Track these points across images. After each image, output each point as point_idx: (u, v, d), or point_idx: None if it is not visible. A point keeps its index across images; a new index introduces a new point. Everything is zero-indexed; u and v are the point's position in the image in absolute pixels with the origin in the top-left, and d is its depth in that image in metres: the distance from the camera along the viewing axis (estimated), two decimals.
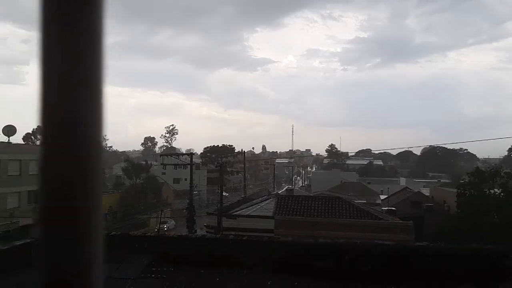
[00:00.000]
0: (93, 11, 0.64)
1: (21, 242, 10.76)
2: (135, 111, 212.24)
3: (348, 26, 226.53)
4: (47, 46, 0.62)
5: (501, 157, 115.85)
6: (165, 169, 60.97)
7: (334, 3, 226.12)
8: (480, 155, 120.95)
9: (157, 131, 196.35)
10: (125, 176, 60.82)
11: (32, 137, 71.92)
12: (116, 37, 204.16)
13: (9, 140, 41.14)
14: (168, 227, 44.64)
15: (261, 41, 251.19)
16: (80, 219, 0.61)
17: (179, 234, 19.97)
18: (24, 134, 72.58)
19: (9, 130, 41.21)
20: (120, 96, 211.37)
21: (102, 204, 0.66)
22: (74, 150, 0.62)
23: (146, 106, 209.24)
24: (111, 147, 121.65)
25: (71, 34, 0.62)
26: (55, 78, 0.62)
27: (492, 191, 32.83)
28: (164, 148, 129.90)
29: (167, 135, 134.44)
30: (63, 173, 0.61)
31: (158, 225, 36.86)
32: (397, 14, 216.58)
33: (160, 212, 35.96)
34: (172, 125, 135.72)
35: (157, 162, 62.55)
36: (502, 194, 31.80)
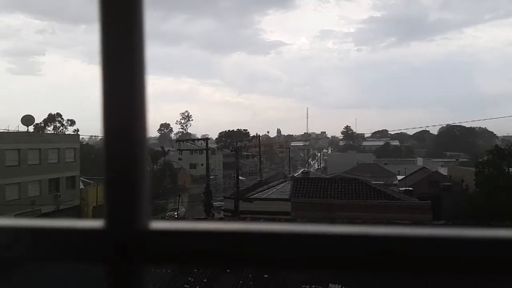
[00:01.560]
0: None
1: None
2: (150, 98, 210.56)
3: (361, 6, 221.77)
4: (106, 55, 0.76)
5: None
6: (181, 154, 61.48)
7: None
8: (499, 133, 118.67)
9: (173, 118, 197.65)
10: None
11: (43, 125, 72.81)
12: None
13: (27, 129, 41.95)
14: (179, 214, 44.18)
15: (273, 24, 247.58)
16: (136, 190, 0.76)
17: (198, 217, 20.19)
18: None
19: (28, 119, 41.98)
20: None
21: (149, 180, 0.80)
22: (128, 144, 0.76)
23: (160, 92, 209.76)
24: None
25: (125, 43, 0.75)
26: (114, 87, 0.77)
27: (511, 169, 32.36)
28: (180, 134, 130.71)
29: (182, 121, 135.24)
30: (122, 161, 0.77)
31: (177, 211, 37.31)
32: None
33: (178, 197, 36.39)
34: (187, 111, 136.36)
35: (174, 148, 63.04)
36: None
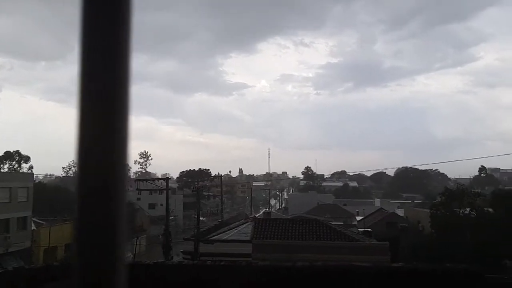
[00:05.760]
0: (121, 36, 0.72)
1: None
2: None
3: (319, 52, 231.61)
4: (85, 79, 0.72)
5: (471, 177, 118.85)
6: (140, 194, 60.01)
7: (304, 29, 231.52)
8: (452, 175, 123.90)
9: (132, 156, 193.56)
10: None
11: None
12: None
13: None
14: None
15: (235, 66, 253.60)
16: (109, 228, 0.71)
17: (156, 261, 19.59)
18: None
19: None
20: None
21: (125, 215, 0.75)
22: (104, 172, 0.71)
23: None
24: None
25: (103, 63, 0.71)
26: (91, 111, 0.71)
27: (462, 210, 33.63)
28: (139, 173, 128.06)
29: (141, 160, 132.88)
30: (95, 190, 0.71)
31: (134, 252, 36.06)
32: (366, 40, 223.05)
33: (136, 238, 35.23)
34: (145, 150, 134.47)
35: (132, 188, 61.62)
36: (472, 213, 32.60)
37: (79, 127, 0.71)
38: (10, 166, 73.56)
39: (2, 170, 66.07)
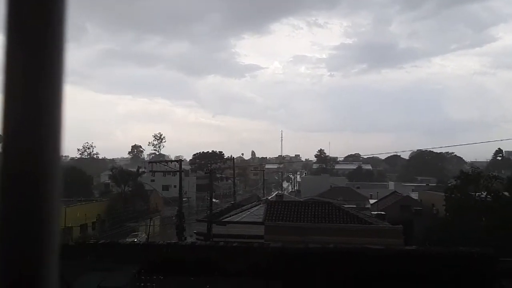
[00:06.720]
0: (55, 14, 0.67)
1: None
2: (124, 118, 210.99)
3: (333, 33, 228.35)
4: (10, 50, 0.65)
5: (487, 160, 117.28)
6: (154, 176, 60.59)
7: (318, 10, 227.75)
8: (468, 158, 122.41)
9: (146, 138, 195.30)
10: (114, 184, 60.41)
11: None
12: (105, 44, 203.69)
13: None
14: (140, 241, 40.50)
15: (248, 48, 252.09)
16: (36, 223, 0.64)
17: (169, 241, 19.82)
18: None
19: None
20: (108, 103, 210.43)
21: (59, 214, 0.68)
22: (33, 154, 0.64)
23: (134, 113, 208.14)
24: (97, 154, 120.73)
25: (33, 38, 0.65)
26: (18, 84, 0.65)
27: (478, 194, 33.21)
28: (153, 155, 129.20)
29: (155, 142, 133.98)
30: (21, 177, 0.63)
31: (148, 233, 36.52)
32: (381, 20, 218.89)
33: (149, 219, 35.65)
34: (160, 133, 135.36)
35: (146, 170, 62.15)
36: (488, 196, 32.17)
37: (5, 111, 0.64)
38: None
39: None
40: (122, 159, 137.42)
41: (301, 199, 45.25)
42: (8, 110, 0.64)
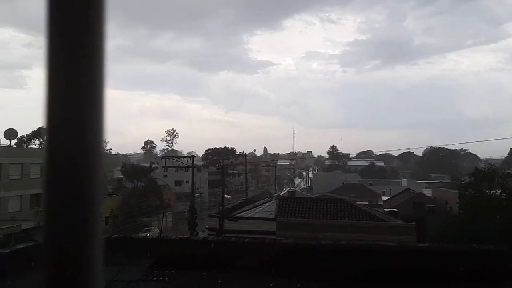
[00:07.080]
0: (95, 15, 0.68)
1: (22, 246, 10.75)
2: (137, 114, 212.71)
3: (347, 29, 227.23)
4: (52, 50, 0.67)
5: (503, 157, 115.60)
6: (166, 171, 61.02)
7: (331, 5, 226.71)
8: (482, 155, 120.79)
9: (159, 134, 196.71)
10: (126, 179, 61.01)
11: (25, 139, 71.90)
12: (118, 40, 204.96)
13: (10, 143, 41.27)
14: (152, 235, 41.47)
15: (261, 44, 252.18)
16: (81, 220, 0.65)
17: (181, 236, 19.96)
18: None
19: (11, 133, 41.35)
20: (122, 99, 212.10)
21: (102, 206, 0.68)
22: (77, 152, 0.65)
23: (147, 109, 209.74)
24: (110, 149, 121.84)
25: (74, 38, 0.66)
26: (60, 82, 0.66)
27: (492, 191, 32.79)
28: (166, 151, 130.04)
29: (168, 138, 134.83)
30: (66, 174, 0.64)
31: (160, 228, 36.90)
32: (395, 16, 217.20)
33: (162, 214, 35.93)
34: (173, 128, 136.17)
35: (159, 165, 62.69)
36: (502, 194, 31.75)
37: (48, 101, 0.66)
38: (42, 141, 75.75)
39: (33, 146, 68.06)
40: (135, 154, 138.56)
41: (313, 196, 45.17)
42: (50, 108, 0.66)
